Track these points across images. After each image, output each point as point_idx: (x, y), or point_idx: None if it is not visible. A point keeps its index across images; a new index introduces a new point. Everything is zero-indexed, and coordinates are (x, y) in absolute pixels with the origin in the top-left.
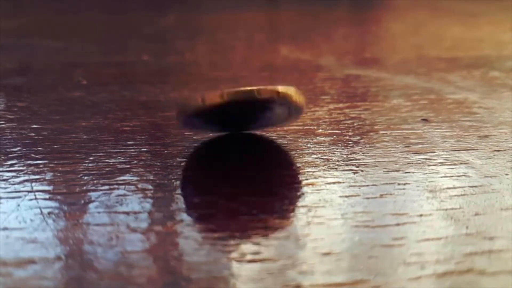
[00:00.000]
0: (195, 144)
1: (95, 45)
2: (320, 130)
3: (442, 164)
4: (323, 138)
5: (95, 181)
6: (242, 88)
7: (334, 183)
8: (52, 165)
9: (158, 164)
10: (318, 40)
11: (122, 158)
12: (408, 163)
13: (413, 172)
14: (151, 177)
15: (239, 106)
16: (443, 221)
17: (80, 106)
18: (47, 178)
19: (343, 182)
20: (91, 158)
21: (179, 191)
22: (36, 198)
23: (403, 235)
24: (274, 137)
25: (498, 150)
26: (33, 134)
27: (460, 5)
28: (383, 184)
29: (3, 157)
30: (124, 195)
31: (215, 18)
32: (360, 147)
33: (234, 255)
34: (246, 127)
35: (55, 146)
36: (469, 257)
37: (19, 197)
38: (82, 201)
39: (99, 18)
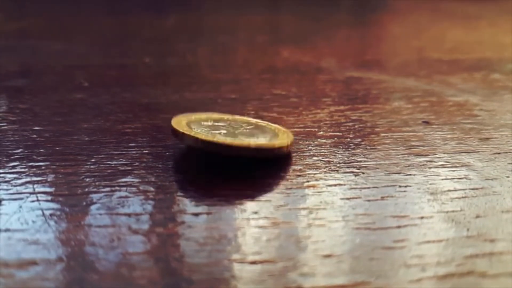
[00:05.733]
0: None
1: (97, 47)
2: (321, 132)
3: (443, 166)
4: (324, 140)
5: (96, 182)
6: (216, 140)
7: (335, 185)
8: (54, 167)
9: (160, 166)
10: (319, 43)
11: (124, 160)
12: (409, 165)
13: (414, 175)
14: (153, 179)
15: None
16: (444, 223)
17: (81, 108)
18: (49, 179)
19: (344, 184)
20: (92, 160)
21: (180, 192)
22: (38, 200)
23: (404, 237)
24: None
25: (499, 153)
26: (35, 136)
27: (461, 8)
28: (384, 186)
29: (5, 159)
30: (126, 196)
31: (216, 20)
32: (361, 149)
33: (235, 256)
34: None
35: (57, 148)
36: (470, 259)
37: (21, 198)
38: (84, 203)
39: (100, 20)
